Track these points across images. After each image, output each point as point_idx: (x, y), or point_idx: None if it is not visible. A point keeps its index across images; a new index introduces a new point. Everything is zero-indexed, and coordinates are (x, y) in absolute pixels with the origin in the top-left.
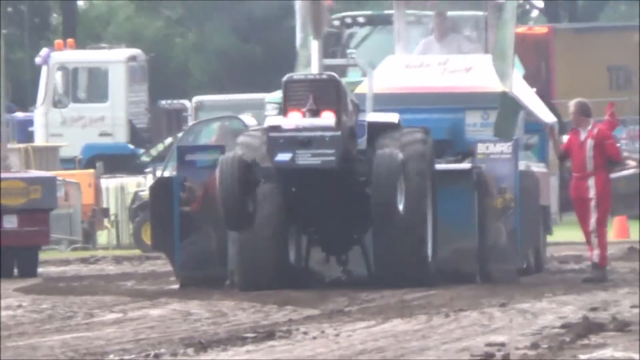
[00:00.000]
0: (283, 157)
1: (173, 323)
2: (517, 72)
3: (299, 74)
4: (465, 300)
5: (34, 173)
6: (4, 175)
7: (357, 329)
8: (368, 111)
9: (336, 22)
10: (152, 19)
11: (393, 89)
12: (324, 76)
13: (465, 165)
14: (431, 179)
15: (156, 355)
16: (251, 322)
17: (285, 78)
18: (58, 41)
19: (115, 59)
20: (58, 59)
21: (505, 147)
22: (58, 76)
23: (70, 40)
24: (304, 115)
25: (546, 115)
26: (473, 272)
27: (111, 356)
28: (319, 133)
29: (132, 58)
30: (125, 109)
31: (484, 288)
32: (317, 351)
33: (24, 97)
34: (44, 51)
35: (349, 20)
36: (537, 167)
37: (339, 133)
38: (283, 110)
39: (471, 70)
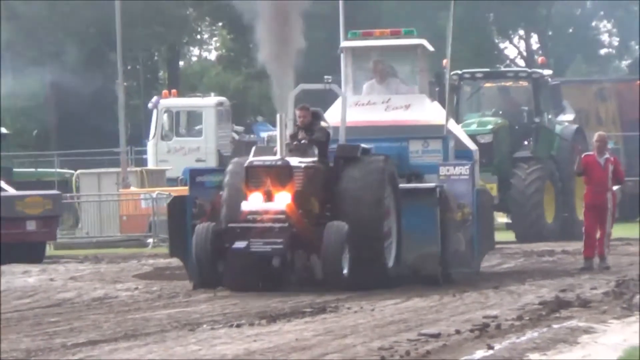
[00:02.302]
0: (239, 245)
1: (250, 300)
2: (438, 105)
3: (258, 159)
4: (466, 284)
5: (48, 191)
6: (27, 192)
7: (387, 305)
8: (341, 138)
9: (454, 77)
10: (234, 75)
11: (347, 123)
12: (279, 162)
13: (430, 185)
14: (395, 198)
15: (238, 325)
16: (309, 300)
17: (246, 163)
18: (165, 91)
19: (207, 105)
20: (165, 104)
21: (463, 170)
22: (165, 117)
23: (174, 90)
24: (264, 196)
25: (471, 143)
26: (436, 274)
27: (204, 326)
28: (269, 224)
29: (220, 104)
30: (215, 142)
31: (481, 276)
32: (358, 322)
33: (139, 133)
34: (154, 99)
35: (467, 75)
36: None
37: (286, 225)
38: (244, 191)
39: (410, 107)
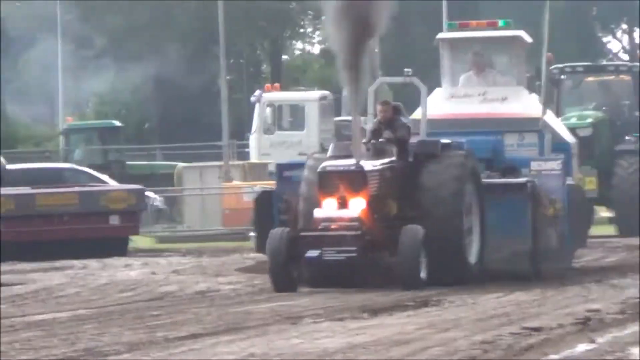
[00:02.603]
0: (312, 253)
1: (353, 294)
2: (537, 97)
3: (331, 164)
4: (568, 278)
5: (131, 186)
6: (111, 187)
7: (489, 298)
8: (422, 132)
9: (555, 71)
10: (337, 68)
11: (442, 115)
12: (353, 167)
13: (521, 179)
14: (477, 194)
15: (340, 319)
16: (411, 294)
17: (319, 168)
18: (267, 85)
19: (310, 98)
20: (268, 98)
21: (555, 165)
22: (267, 111)
23: (276, 85)
24: (338, 202)
25: (568, 136)
26: (528, 271)
27: (306, 319)
28: (342, 232)
29: (323, 97)
30: (318, 135)
31: (583, 270)
32: (460, 315)
33: (242, 127)
34: (257, 92)
35: (568, 69)
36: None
37: (359, 232)
38: (317, 197)
39: (506, 100)
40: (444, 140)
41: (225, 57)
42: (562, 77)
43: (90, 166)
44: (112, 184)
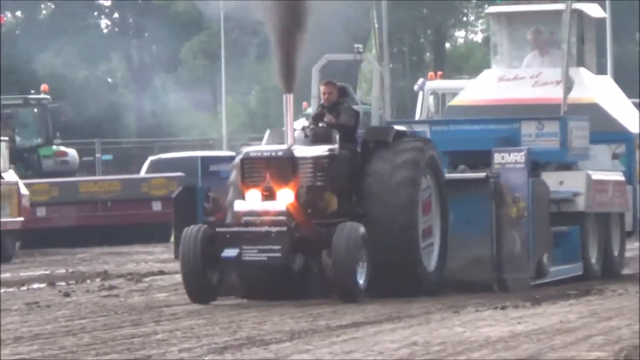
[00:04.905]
0: (229, 253)
1: None
2: (608, 79)
3: (255, 150)
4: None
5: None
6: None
7: None
8: (373, 118)
9: None
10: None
11: (486, 100)
12: (280, 153)
13: (480, 174)
14: (438, 190)
15: (502, 307)
16: (575, 283)
17: (242, 155)
18: (431, 73)
19: None
20: (431, 86)
21: (519, 157)
22: (431, 99)
23: (440, 72)
24: (264, 193)
25: (635, 125)
26: (489, 280)
27: (469, 308)
28: (265, 229)
29: None
30: None
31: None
32: (622, 304)
33: (405, 115)
34: (420, 81)
35: None
36: (611, 176)
37: (284, 228)
38: (240, 188)
39: (561, 83)
40: (399, 128)
41: (389, 45)
42: None
43: None
44: None
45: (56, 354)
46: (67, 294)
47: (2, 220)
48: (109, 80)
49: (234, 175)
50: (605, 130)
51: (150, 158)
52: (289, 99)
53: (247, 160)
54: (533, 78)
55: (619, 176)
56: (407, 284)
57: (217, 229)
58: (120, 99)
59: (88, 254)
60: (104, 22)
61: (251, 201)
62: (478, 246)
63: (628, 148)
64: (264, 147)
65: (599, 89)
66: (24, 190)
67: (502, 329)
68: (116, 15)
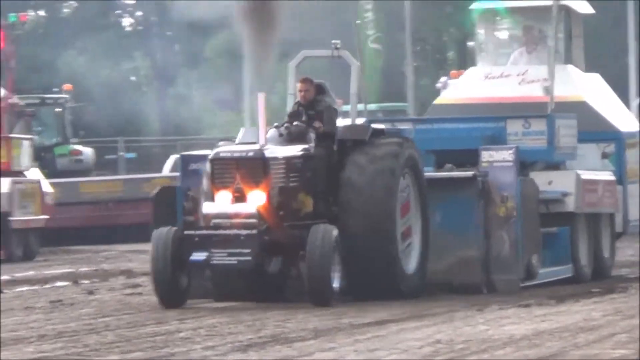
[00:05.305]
0: (198, 256)
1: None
2: (597, 77)
3: (225, 150)
4: None
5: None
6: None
7: None
8: (352, 116)
9: None
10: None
11: (472, 99)
12: (251, 154)
13: (467, 173)
14: (417, 190)
15: (526, 305)
16: (598, 282)
17: (211, 155)
18: (453, 72)
19: None
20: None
21: (507, 154)
22: None
23: (462, 71)
24: (234, 195)
25: (625, 124)
26: (478, 282)
27: (493, 306)
28: (234, 232)
29: None
30: None
31: None
32: None
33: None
34: (443, 79)
35: None
36: (601, 175)
37: (254, 232)
38: (210, 189)
39: (548, 81)
40: (377, 126)
41: (412, 43)
42: None
43: None
44: None
45: (80, 351)
46: (90, 292)
47: (26, 218)
48: (133, 78)
49: (205, 180)
50: (594, 129)
51: (173, 156)
52: (261, 98)
53: (216, 161)
54: (519, 76)
55: (608, 176)
56: (384, 284)
57: (185, 232)
58: (142, 97)
59: (112, 252)
60: (127, 20)
61: (221, 203)
62: (466, 247)
63: (618, 147)
64: (235, 147)
65: (587, 86)
66: (47, 188)
67: (526, 326)
68: (139, 13)
